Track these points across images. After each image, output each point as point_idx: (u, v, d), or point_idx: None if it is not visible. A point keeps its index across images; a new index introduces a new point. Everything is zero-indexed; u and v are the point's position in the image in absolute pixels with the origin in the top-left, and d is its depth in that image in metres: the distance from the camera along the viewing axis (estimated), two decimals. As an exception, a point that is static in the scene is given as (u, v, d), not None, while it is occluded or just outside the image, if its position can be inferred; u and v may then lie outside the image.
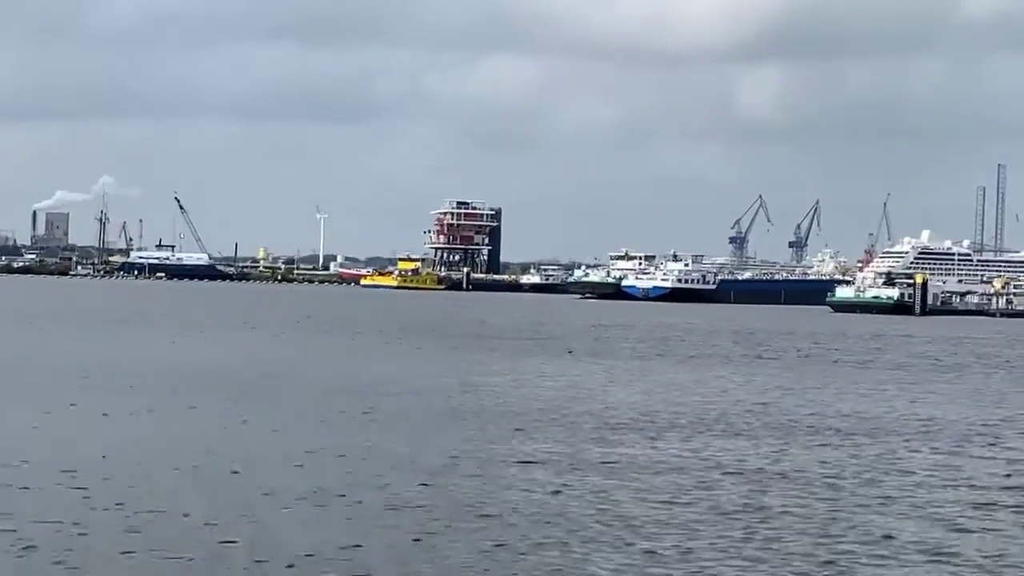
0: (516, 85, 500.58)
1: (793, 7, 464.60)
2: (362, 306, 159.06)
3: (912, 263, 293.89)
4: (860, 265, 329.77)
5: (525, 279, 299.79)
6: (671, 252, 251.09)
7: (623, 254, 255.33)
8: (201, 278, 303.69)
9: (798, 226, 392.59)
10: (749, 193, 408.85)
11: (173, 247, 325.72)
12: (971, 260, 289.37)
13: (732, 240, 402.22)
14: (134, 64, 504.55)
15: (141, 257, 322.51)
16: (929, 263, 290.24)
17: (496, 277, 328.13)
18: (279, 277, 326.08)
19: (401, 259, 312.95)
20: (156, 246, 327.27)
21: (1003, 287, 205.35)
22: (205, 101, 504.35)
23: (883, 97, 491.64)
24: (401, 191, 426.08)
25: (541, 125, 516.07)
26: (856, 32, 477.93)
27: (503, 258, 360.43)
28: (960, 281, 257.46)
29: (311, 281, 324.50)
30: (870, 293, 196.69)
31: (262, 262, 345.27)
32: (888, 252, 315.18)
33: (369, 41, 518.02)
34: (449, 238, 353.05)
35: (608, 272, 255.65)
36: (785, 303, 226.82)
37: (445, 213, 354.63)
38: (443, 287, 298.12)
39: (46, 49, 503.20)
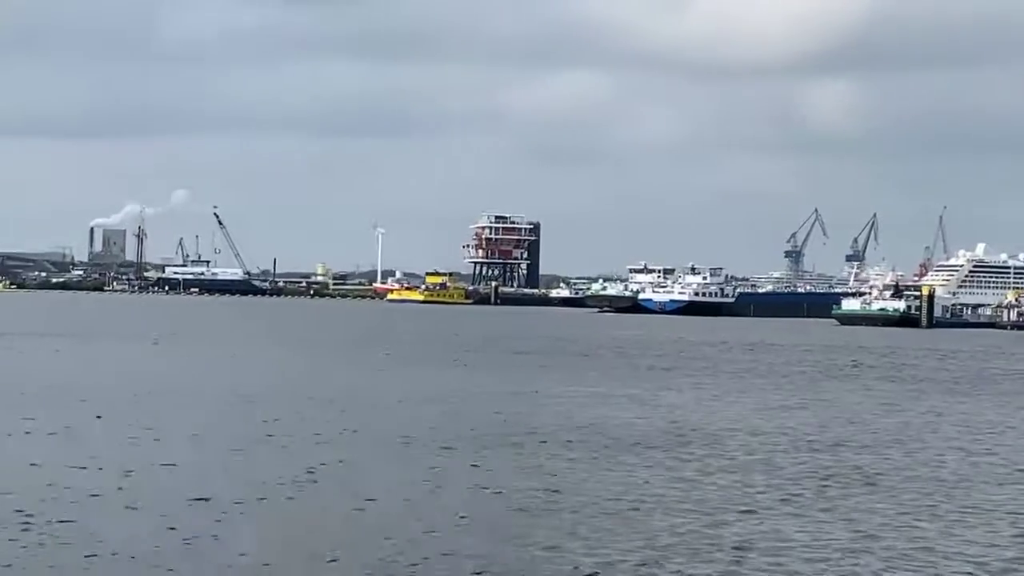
0: (581, 98, 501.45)
1: (858, 20, 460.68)
2: (367, 321, 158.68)
3: (967, 276, 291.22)
4: (915, 279, 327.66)
5: (555, 293, 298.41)
6: (689, 265, 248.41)
7: (642, 267, 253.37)
8: (236, 293, 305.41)
9: (855, 239, 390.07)
10: (807, 206, 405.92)
11: (208, 262, 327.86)
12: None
13: (788, 254, 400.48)
14: (202, 81, 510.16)
15: (176, 272, 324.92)
16: (984, 276, 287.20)
17: (526, 291, 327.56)
18: (312, 292, 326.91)
19: (429, 273, 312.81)
20: (191, 261, 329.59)
21: (1016, 299, 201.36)
22: (272, 117, 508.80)
23: (949, 109, 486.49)
24: (463, 205, 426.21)
25: (604, 138, 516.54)
26: (922, 44, 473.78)
27: (548, 271, 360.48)
28: (1018, 296, 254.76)
29: (345, 296, 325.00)
30: (876, 305, 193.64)
31: (320, 277, 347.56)
32: (942, 265, 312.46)
33: (434, 56, 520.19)
34: (488, 252, 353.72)
35: (626, 285, 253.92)
36: (808, 316, 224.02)
37: (483, 227, 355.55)
38: (471, 302, 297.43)
39: (116, 67, 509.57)
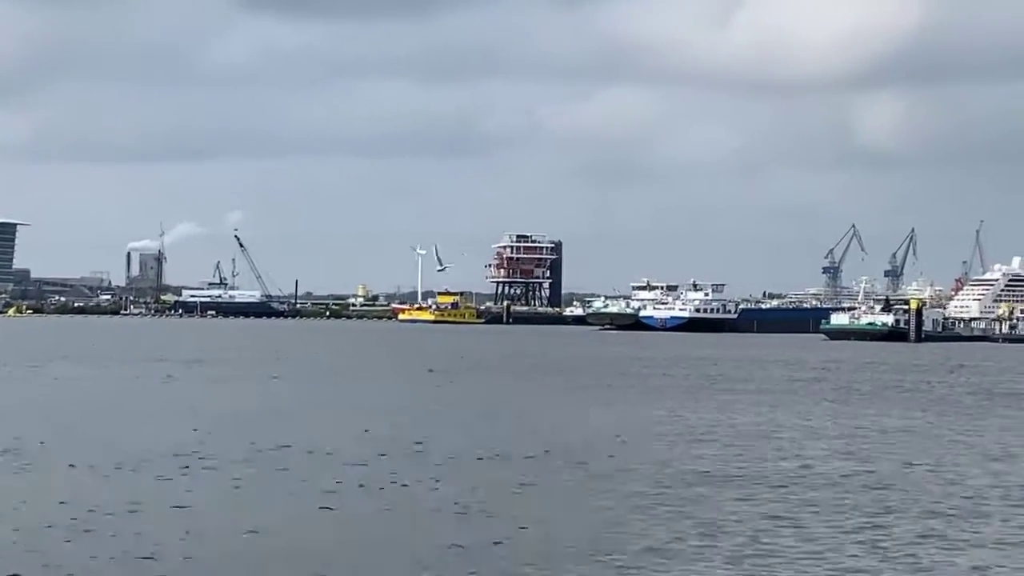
0: (629, 116, 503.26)
1: (905, 34, 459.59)
2: (369, 341, 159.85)
3: (1003, 290, 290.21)
4: (952, 293, 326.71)
5: (568, 311, 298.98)
6: (690, 281, 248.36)
7: (644, 284, 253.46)
8: (254, 315, 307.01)
9: (893, 255, 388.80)
10: (848, 222, 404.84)
11: (226, 284, 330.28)
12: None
13: (825, 270, 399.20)
14: (253, 104, 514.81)
15: (193, 295, 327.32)
16: (1020, 290, 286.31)
17: (539, 310, 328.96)
18: (327, 314, 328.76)
19: (441, 293, 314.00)
20: (209, 284, 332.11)
21: (1008, 313, 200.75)
22: (321, 139, 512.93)
23: (995, 123, 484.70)
24: (509, 224, 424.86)
25: (649, 155, 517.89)
26: (970, 58, 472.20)
27: (581, 288, 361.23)
28: (1012, 310, 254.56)
29: (362, 317, 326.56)
30: (865, 320, 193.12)
31: (361, 299, 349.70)
32: (978, 280, 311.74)
33: (484, 75, 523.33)
34: (509, 271, 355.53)
35: (628, 303, 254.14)
36: (813, 331, 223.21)
37: (504, 247, 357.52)
38: (482, 321, 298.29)
39: (163, 91, 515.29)
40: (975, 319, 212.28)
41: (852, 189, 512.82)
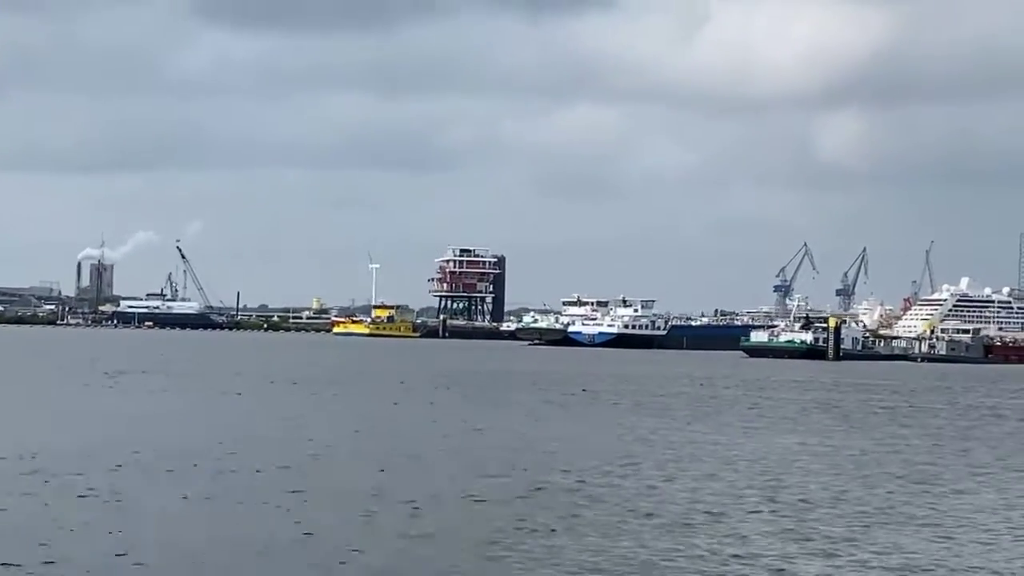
0: (591, 132, 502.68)
1: (867, 55, 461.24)
2: (271, 354, 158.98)
3: (950, 311, 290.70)
4: (902, 313, 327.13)
5: (504, 326, 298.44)
6: (620, 297, 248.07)
7: (575, 299, 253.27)
8: (192, 327, 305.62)
9: (845, 274, 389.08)
10: (801, 240, 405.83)
11: (164, 295, 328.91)
12: (1011, 307, 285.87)
13: (777, 288, 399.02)
14: (206, 114, 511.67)
15: (131, 306, 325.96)
16: (968, 311, 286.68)
17: (476, 324, 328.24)
18: (265, 326, 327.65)
19: (376, 306, 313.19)
20: (147, 295, 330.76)
21: (930, 332, 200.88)
22: (281, 150, 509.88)
23: (947, 143, 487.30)
24: (465, 238, 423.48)
25: (611, 171, 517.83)
26: (926, 80, 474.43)
27: (530, 303, 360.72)
28: (1000, 328, 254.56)
29: (302, 330, 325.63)
30: (784, 337, 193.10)
31: (310, 312, 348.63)
32: (926, 300, 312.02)
33: (445, 89, 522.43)
34: (452, 286, 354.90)
35: (557, 318, 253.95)
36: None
37: (448, 261, 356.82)
38: (418, 335, 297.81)
39: (115, 100, 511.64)
40: (895, 337, 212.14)
41: (807, 207, 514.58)
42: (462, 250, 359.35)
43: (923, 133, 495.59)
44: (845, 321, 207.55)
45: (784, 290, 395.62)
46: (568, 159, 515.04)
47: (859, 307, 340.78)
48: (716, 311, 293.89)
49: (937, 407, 79.90)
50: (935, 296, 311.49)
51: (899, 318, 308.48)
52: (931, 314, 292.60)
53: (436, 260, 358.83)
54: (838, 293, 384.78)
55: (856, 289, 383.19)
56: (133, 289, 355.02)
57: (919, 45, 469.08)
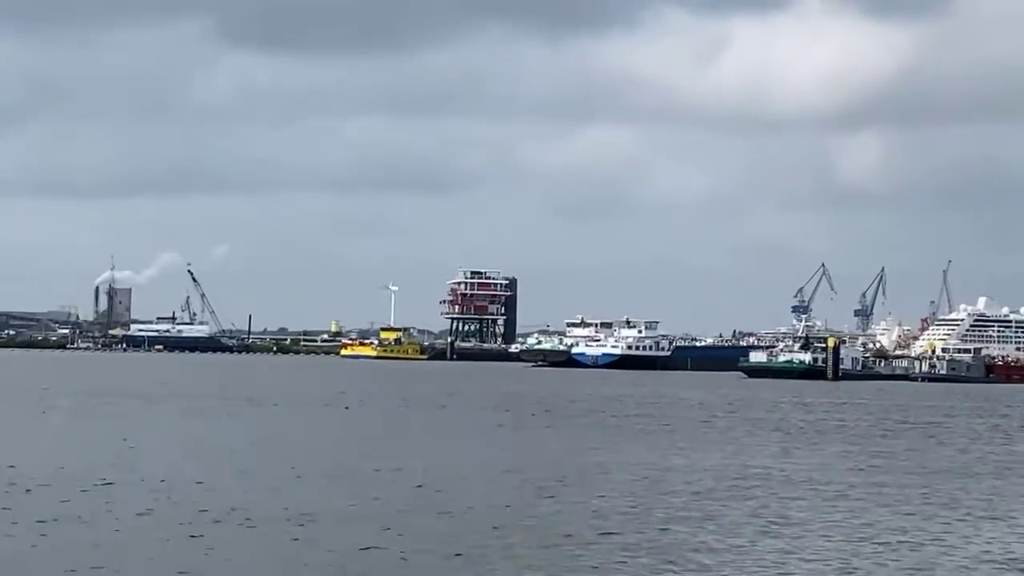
0: (609, 153, 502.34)
1: (881, 77, 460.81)
2: (274, 376, 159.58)
3: (968, 331, 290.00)
4: (919, 333, 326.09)
5: (514, 348, 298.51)
6: (624, 318, 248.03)
7: (579, 321, 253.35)
8: (202, 350, 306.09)
9: (863, 294, 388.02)
10: (819, 260, 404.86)
11: (175, 319, 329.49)
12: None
13: (795, 309, 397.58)
14: (225, 140, 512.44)
15: (141, 330, 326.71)
16: (985, 331, 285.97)
17: (485, 346, 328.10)
18: (275, 349, 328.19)
19: (384, 329, 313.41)
20: (157, 318, 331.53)
21: (931, 351, 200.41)
22: (294, 176, 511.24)
23: (964, 165, 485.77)
24: (482, 261, 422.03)
25: (629, 193, 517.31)
26: (944, 102, 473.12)
27: (532, 325, 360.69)
28: (1018, 348, 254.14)
29: (312, 352, 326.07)
30: (783, 358, 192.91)
31: (327, 335, 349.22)
32: (943, 320, 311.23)
33: (462, 112, 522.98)
34: (463, 308, 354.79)
35: (561, 339, 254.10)
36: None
37: (459, 283, 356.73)
38: (426, 357, 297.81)
39: (137, 127, 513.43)
40: (896, 357, 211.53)
41: (826, 228, 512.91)
42: (473, 272, 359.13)
43: (942, 154, 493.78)
44: (844, 341, 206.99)
45: (802, 311, 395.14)
46: (585, 181, 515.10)
47: (877, 327, 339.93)
48: (734, 332, 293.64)
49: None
50: (952, 316, 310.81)
51: (917, 338, 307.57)
52: (948, 334, 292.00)
53: (448, 282, 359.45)
54: (856, 314, 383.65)
55: (874, 310, 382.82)
56: (155, 313, 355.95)
57: (939, 66, 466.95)
